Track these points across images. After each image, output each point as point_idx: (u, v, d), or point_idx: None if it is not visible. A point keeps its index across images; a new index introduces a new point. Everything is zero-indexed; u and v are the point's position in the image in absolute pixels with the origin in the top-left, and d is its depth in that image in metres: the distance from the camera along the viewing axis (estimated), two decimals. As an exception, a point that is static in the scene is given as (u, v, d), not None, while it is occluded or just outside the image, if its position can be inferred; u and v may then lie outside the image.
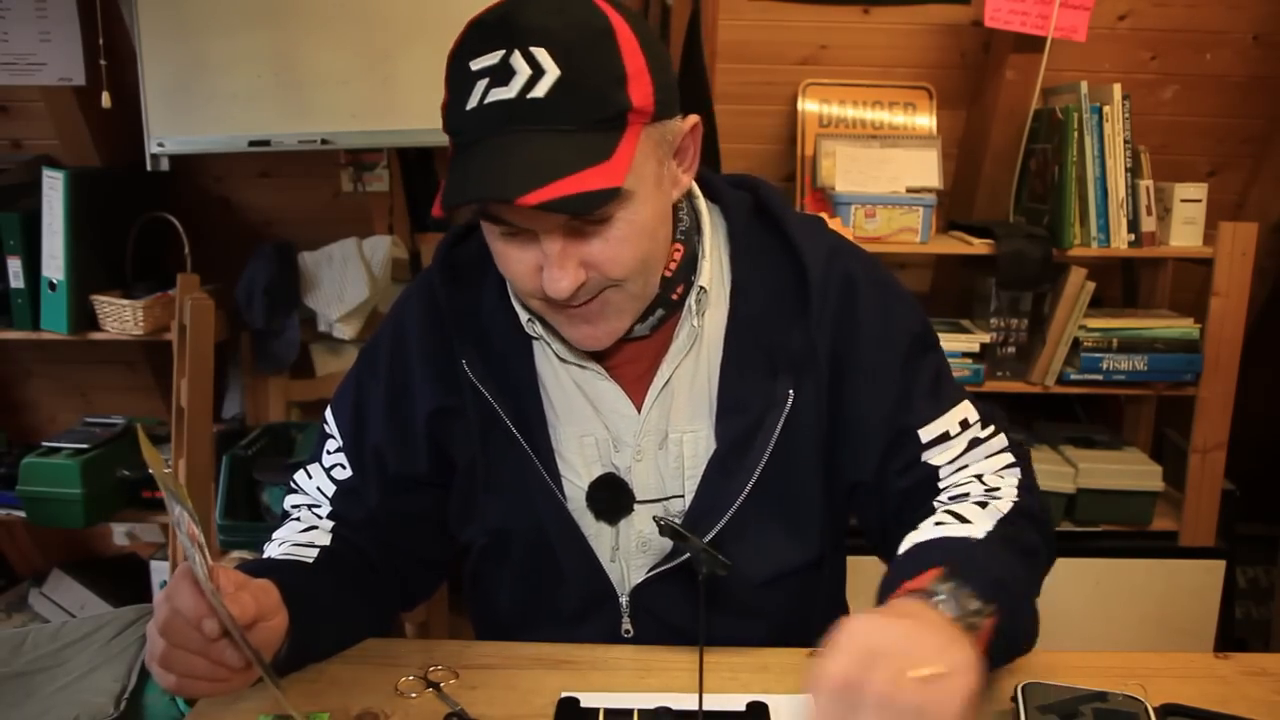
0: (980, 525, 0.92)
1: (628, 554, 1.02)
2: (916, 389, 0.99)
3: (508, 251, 0.88)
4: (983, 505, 0.95)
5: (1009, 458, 1.00)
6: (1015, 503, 0.96)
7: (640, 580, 1.01)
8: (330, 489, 1.06)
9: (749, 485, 0.96)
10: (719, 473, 0.98)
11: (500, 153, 0.80)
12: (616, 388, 0.99)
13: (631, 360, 1.00)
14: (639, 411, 0.99)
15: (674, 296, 0.97)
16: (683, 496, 1.00)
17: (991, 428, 1.01)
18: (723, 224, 1.03)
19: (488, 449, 1.01)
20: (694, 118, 0.92)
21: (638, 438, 0.99)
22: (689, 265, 0.98)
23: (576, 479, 1.00)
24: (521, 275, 0.88)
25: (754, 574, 1.01)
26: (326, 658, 0.96)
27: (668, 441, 0.99)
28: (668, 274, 0.96)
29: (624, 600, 1.02)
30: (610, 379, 0.99)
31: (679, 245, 0.96)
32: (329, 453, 1.07)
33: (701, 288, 0.97)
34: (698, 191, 1.01)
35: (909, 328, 1.01)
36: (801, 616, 1.06)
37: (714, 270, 1.00)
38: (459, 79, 0.82)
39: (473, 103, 0.80)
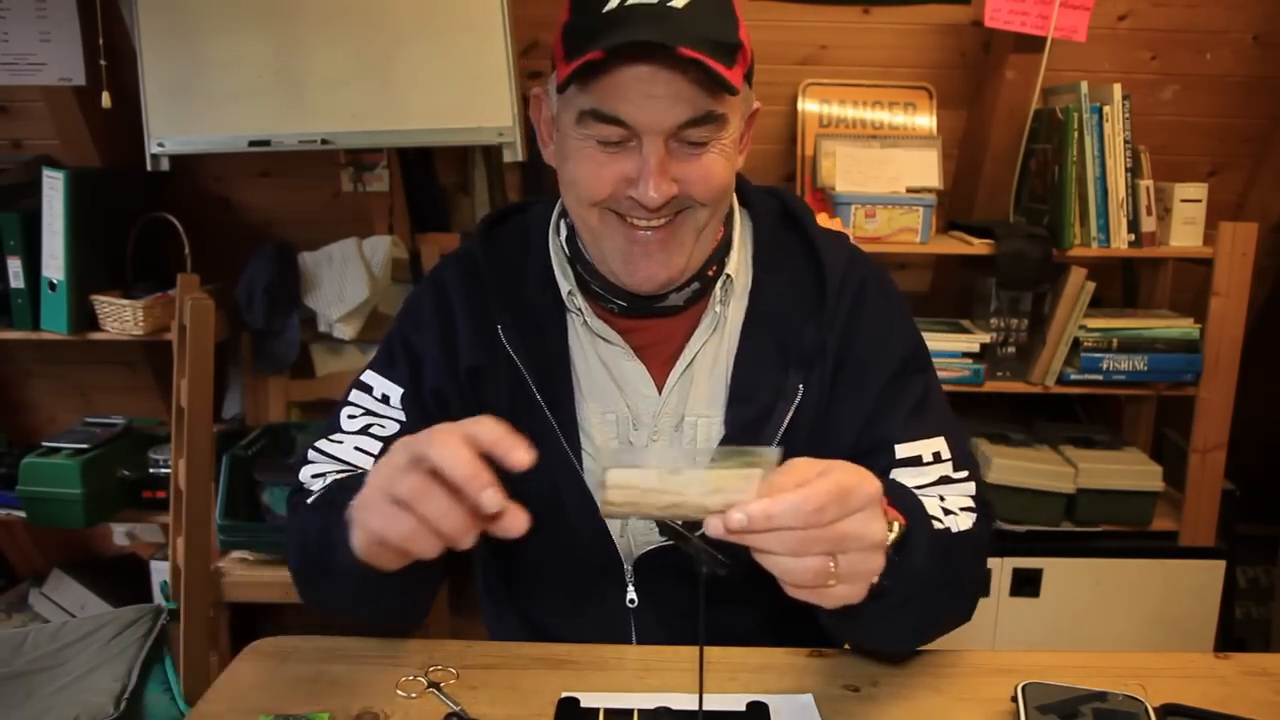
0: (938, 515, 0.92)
1: (636, 528, 1.04)
2: (899, 406, 1.02)
3: (596, 158, 0.93)
4: (945, 512, 0.95)
5: (972, 504, 1.00)
6: (968, 531, 0.95)
7: (645, 551, 1.03)
8: (375, 447, 1.04)
9: None
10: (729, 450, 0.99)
11: (648, 24, 0.86)
12: (641, 368, 1.04)
13: (658, 342, 1.05)
14: (660, 393, 1.04)
15: (709, 273, 1.03)
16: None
17: (965, 473, 1.01)
18: (749, 225, 1.09)
19: (514, 414, 1.03)
20: (758, 103, 1.02)
21: (656, 418, 1.04)
22: (724, 248, 1.04)
23: (595, 452, 1.04)
24: (605, 181, 0.93)
25: (752, 562, 1.01)
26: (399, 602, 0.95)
27: (683, 424, 1.04)
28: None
29: (629, 569, 1.05)
30: (636, 359, 1.04)
31: (720, 226, 1.03)
32: (352, 417, 1.07)
33: (728, 275, 1.04)
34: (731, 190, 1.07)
35: (903, 345, 1.05)
36: (795, 606, 1.06)
37: (740, 264, 1.06)
38: None
39: (612, 4, 0.87)
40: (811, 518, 0.70)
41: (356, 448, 1.05)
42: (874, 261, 1.10)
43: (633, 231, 0.95)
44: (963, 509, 0.98)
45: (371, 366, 1.10)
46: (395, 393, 1.07)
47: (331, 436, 1.07)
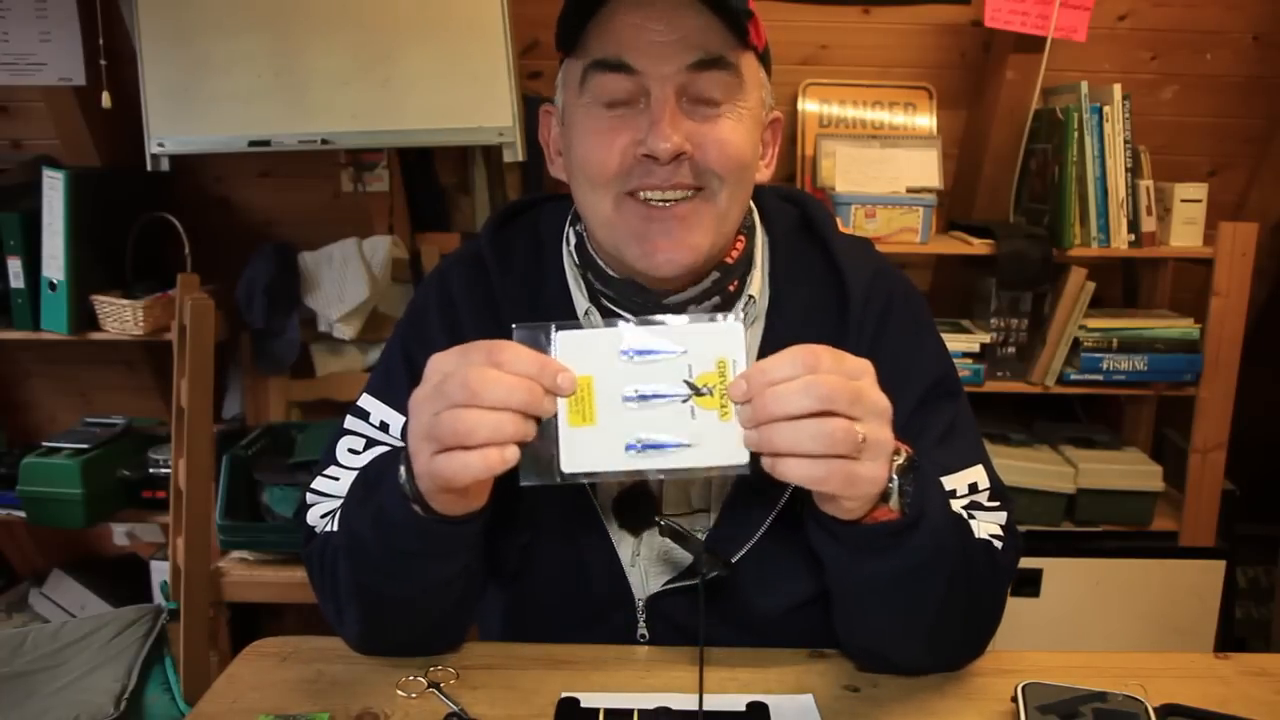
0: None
1: (649, 561, 1.00)
2: (925, 434, 0.96)
3: (603, 126, 0.90)
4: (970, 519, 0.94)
5: (1001, 532, 0.96)
6: (993, 546, 0.93)
7: (657, 590, 0.99)
8: None
9: (773, 514, 0.96)
10: (744, 495, 0.97)
11: None
12: None
13: None
14: None
15: (730, 288, 0.98)
16: (708, 511, 0.99)
17: (998, 503, 0.98)
18: (765, 237, 1.03)
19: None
20: (779, 113, 0.99)
21: None
22: (745, 263, 0.99)
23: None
24: (614, 148, 0.89)
25: (777, 603, 0.99)
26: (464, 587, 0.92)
27: None
28: (729, 261, 0.97)
29: (640, 604, 1.00)
30: None
31: (742, 237, 0.99)
32: (353, 451, 1.00)
33: (750, 297, 0.99)
34: (751, 205, 1.02)
35: (931, 370, 1.00)
36: (823, 644, 1.03)
37: (761, 284, 1.00)
38: None
39: None
40: (808, 361, 0.72)
41: None
42: (903, 275, 1.04)
43: (650, 210, 0.90)
44: (991, 535, 0.95)
45: (369, 389, 1.03)
46: (396, 420, 0.99)
47: (327, 472, 1.00)
